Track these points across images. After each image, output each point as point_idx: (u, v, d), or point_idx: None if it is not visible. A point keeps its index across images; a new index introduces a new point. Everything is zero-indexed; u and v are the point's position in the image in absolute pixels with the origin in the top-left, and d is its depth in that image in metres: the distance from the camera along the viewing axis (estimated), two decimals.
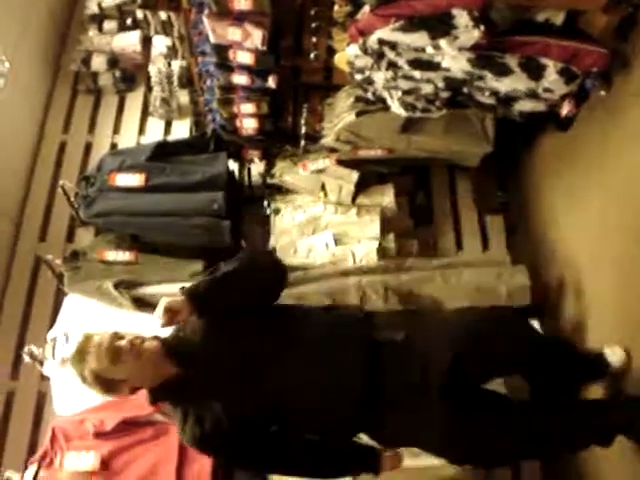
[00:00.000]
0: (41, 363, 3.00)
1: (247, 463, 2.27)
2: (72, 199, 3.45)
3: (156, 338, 2.07)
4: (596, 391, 2.53)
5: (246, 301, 2.10)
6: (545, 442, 2.18)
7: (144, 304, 3.04)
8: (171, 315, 2.01)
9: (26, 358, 3.00)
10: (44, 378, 3.17)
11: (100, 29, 4.35)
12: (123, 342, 1.99)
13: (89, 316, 3.06)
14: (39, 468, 2.71)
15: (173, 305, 2.01)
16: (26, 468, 2.76)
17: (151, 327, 2.95)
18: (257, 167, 3.65)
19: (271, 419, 2.11)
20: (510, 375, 2.56)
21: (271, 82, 3.24)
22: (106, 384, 2.00)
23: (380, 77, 2.75)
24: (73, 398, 2.93)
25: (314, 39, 3.27)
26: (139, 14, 4.22)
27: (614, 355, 2.40)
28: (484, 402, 2.18)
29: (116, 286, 3.05)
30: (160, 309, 2.01)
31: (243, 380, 2.06)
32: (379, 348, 2.11)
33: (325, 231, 3.21)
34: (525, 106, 2.76)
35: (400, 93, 2.81)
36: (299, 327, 2.14)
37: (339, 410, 2.09)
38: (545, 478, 2.95)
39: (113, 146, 4.09)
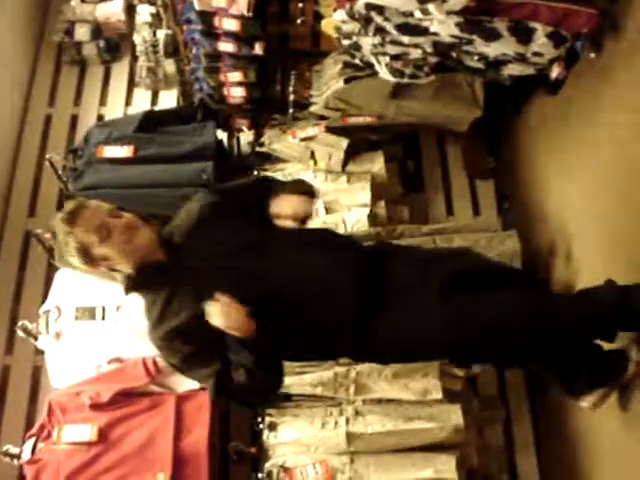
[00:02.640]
0: (35, 338, 3.00)
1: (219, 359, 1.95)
2: (60, 172, 3.42)
3: (153, 225, 1.99)
4: None
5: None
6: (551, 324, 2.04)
7: None
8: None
9: (20, 333, 3.00)
10: (39, 352, 3.17)
11: None
12: (119, 221, 1.91)
13: (81, 290, 3.05)
14: (37, 441, 2.73)
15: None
16: (24, 442, 2.78)
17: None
18: (246, 136, 3.63)
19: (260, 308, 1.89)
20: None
21: (258, 49, 3.21)
22: (86, 257, 1.91)
23: (368, 42, 2.72)
24: (68, 371, 2.95)
25: (300, 4, 3.23)
26: None
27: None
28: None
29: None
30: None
31: (238, 268, 1.93)
32: (377, 254, 2.10)
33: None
34: (514, 70, 2.74)
35: (388, 59, 2.79)
36: (297, 233, 2.12)
37: (331, 310, 1.96)
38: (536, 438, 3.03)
39: (100, 118, 4.04)
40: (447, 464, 2.58)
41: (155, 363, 2.82)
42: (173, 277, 1.94)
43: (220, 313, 1.81)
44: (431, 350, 2.09)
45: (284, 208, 2.03)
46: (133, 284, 1.98)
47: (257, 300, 1.88)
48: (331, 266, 2.01)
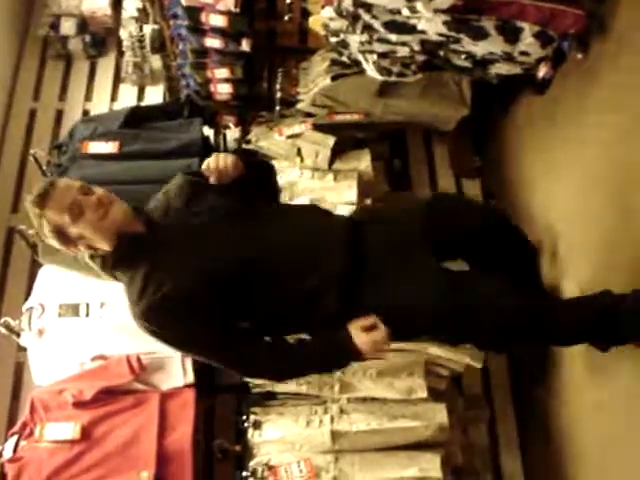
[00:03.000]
0: (18, 334, 2.97)
1: (207, 336, 1.95)
2: (44, 168, 3.39)
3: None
4: None
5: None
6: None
7: None
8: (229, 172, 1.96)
9: (2, 330, 2.97)
10: (21, 349, 3.14)
11: None
12: (90, 198, 1.87)
13: (65, 286, 3.03)
14: (19, 439, 2.71)
15: (237, 166, 1.97)
16: (6, 440, 2.76)
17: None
18: (232, 133, 3.61)
19: (241, 280, 1.91)
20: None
21: (245, 45, 3.19)
22: (62, 238, 1.89)
23: (355, 40, 2.72)
24: (51, 368, 2.92)
25: (288, 1, 3.22)
26: None
27: None
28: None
29: (92, 256, 3.01)
30: (220, 163, 1.96)
31: (217, 236, 1.95)
32: (357, 225, 2.11)
33: (302, 197, 3.19)
34: (501, 69, 2.75)
35: (375, 57, 2.78)
36: (281, 208, 2.27)
37: (319, 275, 1.95)
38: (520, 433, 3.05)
39: (85, 113, 4.02)
40: (432, 463, 2.58)
41: (139, 360, 2.80)
42: (151, 249, 1.92)
43: (372, 344, 1.89)
44: (416, 321, 2.03)
45: (207, 163, 1.99)
46: (112, 260, 1.93)
47: (232, 270, 1.90)
48: (312, 233, 2.02)
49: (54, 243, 1.92)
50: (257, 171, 2.11)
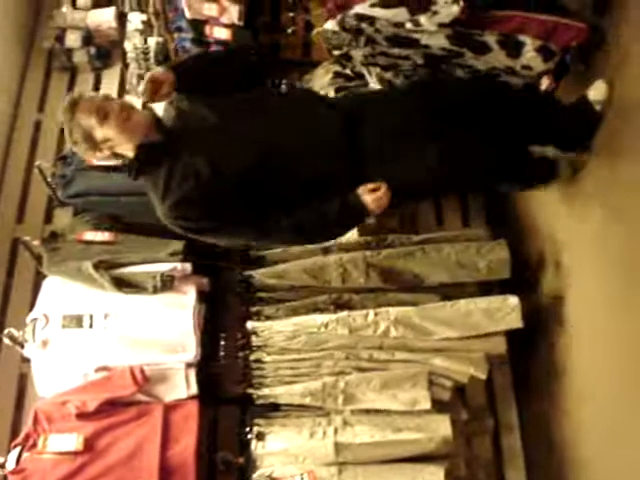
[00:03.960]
0: (22, 345, 2.98)
1: (230, 223, 2.22)
2: (49, 179, 3.40)
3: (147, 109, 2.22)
4: None
5: (225, 77, 2.27)
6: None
7: (125, 284, 3.02)
8: (154, 87, 2.10)
9: (6, 341, 2.98)
10: (25, 360, 3.14)
11: (74, 5, 4.26)
12: (113, 103, 2.13)
13: (69, 297, 3.04)
14: (22, 451, 2.71)
15: (156, 75, 2.11)
16: (9, 451, 2.76)
17: (134, 307, 2.98)
18: None
19: (257, 174, 2.15)
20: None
21: None
22: (90, 142, 2.11)
23: (358, 53, 2.73)
24: (55, 379, 2.92)
25: (291, 14, 3.25)
26: None
27: (596, 90, 2.48)
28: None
29: (96, 267, 3.02)
30: (143, 84, 2.11)
31: (228, 134, 2.16)
32: (355, 108, 2.33)
33: None
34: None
35: (379, 69, 2.79)
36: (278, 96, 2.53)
37: (321, 165, 2.20)
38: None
39: None
40: (435, 475, 2.57)
41: (143, 372, 2.80)
42: (168, 155, 2.13)
43: (376, 202, 2.17)
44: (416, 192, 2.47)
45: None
46: (138, 163, 2.14)
47: (248, 164, 2.13)
48: (315, 123, 2.24)
49: (82, 148, 2.15)
50: (201, 71, 2.28)
